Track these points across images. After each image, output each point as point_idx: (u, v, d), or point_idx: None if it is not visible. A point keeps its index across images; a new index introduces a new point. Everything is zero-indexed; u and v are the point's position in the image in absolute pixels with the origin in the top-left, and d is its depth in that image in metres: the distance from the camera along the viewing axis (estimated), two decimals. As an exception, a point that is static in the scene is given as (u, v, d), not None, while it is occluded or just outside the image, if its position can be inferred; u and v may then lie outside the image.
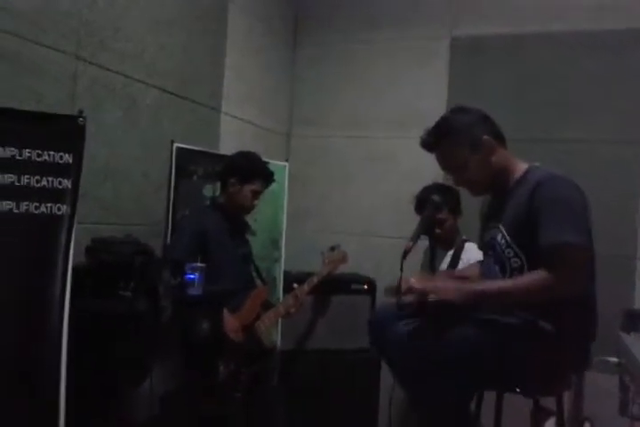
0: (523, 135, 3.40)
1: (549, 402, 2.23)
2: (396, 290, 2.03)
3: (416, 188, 3.28)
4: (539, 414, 2.32)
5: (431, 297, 1.97)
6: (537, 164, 2.12)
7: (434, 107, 3.93)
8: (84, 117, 2.32)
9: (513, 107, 3.91)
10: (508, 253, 2.03)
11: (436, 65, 4.32)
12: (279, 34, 4.55)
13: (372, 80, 4.48)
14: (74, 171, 2.26)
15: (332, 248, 3.45)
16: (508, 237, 2.03)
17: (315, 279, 3.27)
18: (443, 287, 2.00)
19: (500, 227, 2.06)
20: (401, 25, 4.42)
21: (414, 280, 1.99)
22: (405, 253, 2.06)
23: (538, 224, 1.94)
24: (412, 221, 2.41)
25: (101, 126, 2.81)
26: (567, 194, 1.96)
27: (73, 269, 2.25)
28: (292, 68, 4.70)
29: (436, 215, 2.44)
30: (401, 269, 2.05)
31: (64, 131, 2.28)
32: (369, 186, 4.44)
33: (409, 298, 2.01)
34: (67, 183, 2.24)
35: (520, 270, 2.01)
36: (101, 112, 2.85)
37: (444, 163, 2.16)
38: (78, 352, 2.23)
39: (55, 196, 2.21)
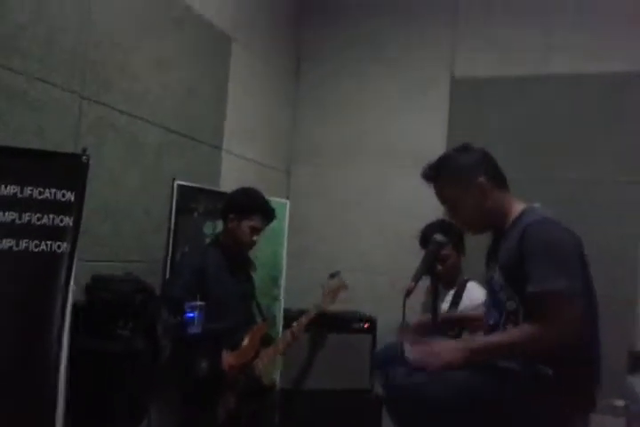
0: (523, 175, 3.41)
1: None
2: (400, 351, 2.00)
3: (416, 223, 3.26)
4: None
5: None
6: (537, 204, 2.12)
7: (433, 143, 3.97)
8: (88, 156, 2.33)
9: (513, 146, 3.94)
10: (502, 296, 2.01)
11: (436, 103, 4.38)
12: (281, 74, 4.62)
13: (372, 119, 4.54)
14: (75, 209, 2.26)
15: (332, 275, 3.40)
16: (502, 280, 2.02)
17: (312, 313, 3.22)
18: (443, 350, 1.94)
19: (497, 269, 2.05)
20: (401, 64, 4.49)
21: (411, 351, 1.94)
22: (408, 293, 2.05)
23: (525, 270, 1.91)
24: (413, 256, 2.40)
25: (104, 164, 2.83)
26: (555, 237, 1.93)
27: (72, 306, 2.23)
28: (293, 105, 4.76)
29: (438, 254, 2.42)
30: (403, 309, 2.03)
31: (67, 169, 2.29)
32: (369, 223, 4.45)
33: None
34: (68, 221, 2.24)
35: (515, 314, 1.98)
36: (104, 150, 2.86)
37: (441, 198, 2.18)
38: (75, 391, 2.20)
39: (56, 234, 2.21)
